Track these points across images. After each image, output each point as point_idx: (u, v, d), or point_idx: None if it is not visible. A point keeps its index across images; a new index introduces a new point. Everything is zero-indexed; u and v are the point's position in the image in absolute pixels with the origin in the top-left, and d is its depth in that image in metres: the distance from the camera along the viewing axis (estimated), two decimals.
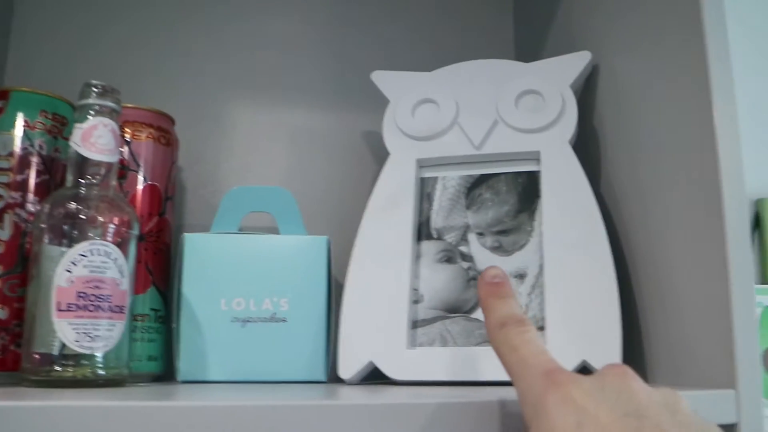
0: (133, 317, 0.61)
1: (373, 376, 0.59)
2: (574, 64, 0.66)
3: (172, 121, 0.68)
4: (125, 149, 0.63)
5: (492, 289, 0.42)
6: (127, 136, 0.64)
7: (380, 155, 0.81)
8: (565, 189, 0.60)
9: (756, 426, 0.45)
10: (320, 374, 0.62)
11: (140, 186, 0.64)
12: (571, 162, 0.61)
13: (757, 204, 0.95)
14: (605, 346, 0.53)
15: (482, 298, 0.42)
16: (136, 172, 0.64)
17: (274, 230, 0.68)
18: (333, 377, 0.62)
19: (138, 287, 0.61)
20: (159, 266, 0.64)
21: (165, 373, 0.65)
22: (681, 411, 0.34)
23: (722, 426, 0.45)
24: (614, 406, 0.32)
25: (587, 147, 0.68)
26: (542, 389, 0.34)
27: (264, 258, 0.63)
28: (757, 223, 0.95)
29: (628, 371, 0.35)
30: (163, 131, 0.66)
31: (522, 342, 0.38)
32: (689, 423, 0.33)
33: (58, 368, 0.50)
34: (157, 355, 0.63)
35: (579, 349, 0.54)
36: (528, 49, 0.86)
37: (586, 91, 0.69)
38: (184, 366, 0.61)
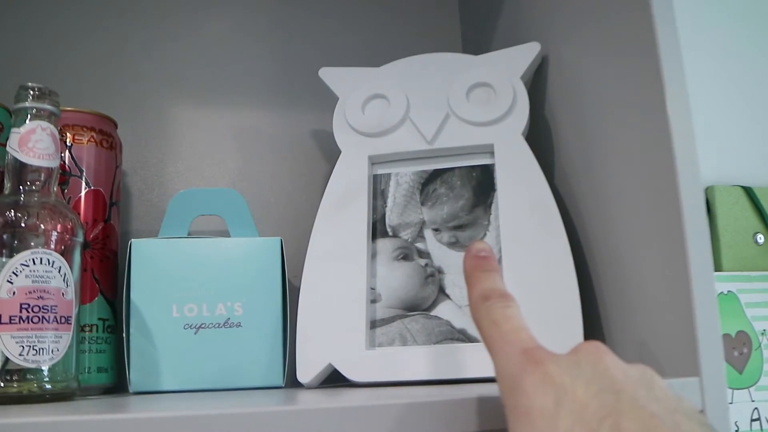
0: (81, 328, 0.59)
1: (333, 379, 0.58)
2: (523, 55, 0.65)
3: (114, 123, 0.66)
4: (66, 154, 0.61)
5: (477, 263, 0.41)
6: (68, 141, 0.61)
7: (330, 153, 0.80)
8: (521, 181, 0.59)
9: (721, 412, 0.45)
10: (278, 379, 0.61)
11: (83, 192, 0.61)
12: (525, 154, 0.61)
13: (707, 192, 0.96)
14: (567, 338, 0.53)
15: (467, 271, 0.41)
16: (79, 177, 0.61)
17: (225, 233, 0.66)
18: (291, 382, 0.61)
19: (84, 296, 0.59)
20: (106, 274, 0.62)
21: (117, 384, 0.63)
22: (656, 386, 0.34)
23: None
24: (590, 382, 0.32)
25: (540, 139, 0.68)
26: (520, 367, 0.34)
27: (216, 262, 0.61)
28: (707, 210, 0.95)
29: (602, 347, 0.35)
30: (106, 134, 0.64)
31: (503, 317, 0.37)
32: (665, 397, 0.33)
33: (1, 384, 0.47)
34: (107, 366, 0.61)
35: (540, 341, 0.53)
36: (475, 42, 0.85)
37: (536, 82, 0.69)
38: (135, 376, 0.59)
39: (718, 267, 0.94)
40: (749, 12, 1.08)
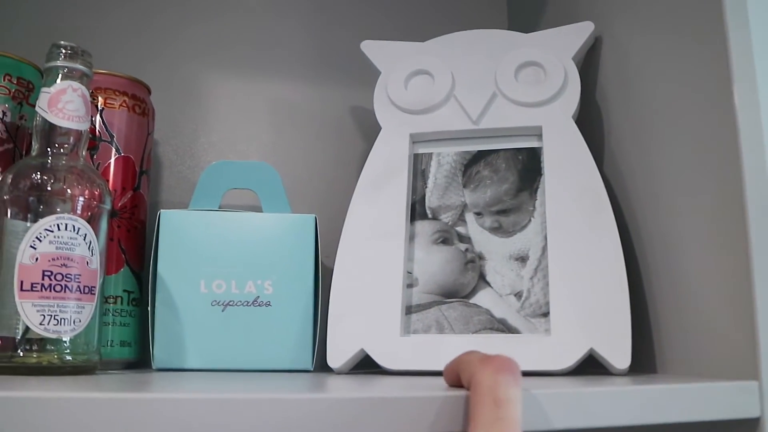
0: (105, 299, 0.57)
1: (364, 365, 0.56)
2: (576, 35, 0.62)
3: (147, 89, 0.64)
4: (97, 118, 0.59)
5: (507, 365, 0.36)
6: (100, 104, 0.59)
7: (367, 131, 0.77)
8: (570, 166, 0.57)
9: None
10: (307, 363, 0.59)
11: (113, 158, 0.59)
12: (575, 138, 0.58)
13: None
14: (614, 333, 0.50)
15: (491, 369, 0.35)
16: (109, 142, 0.59)
17: (257, 208, 0.64)
18: (320, 366, 0.59)
19: (110, 267, 0.58)
20: (133, 245, 0.60)
21: (139, 359, 0.61)
22: None
23: (744, 421, 0.43)
24: None
25: (590, 122, 0.65)
26: None
27: (247, 237, 0.59)
28: None
29: None
30: (138, 100, 0.62)
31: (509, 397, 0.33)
32: None
33: (21, 354, 0.46)
34: (130, 341, 0.59)
35: (586, 336, 0.50)
36: (523, 19, 0.82)
37: (587, 63, 0.66)
38: (159, 352, 0.57)
39: None
40: None
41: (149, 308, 0.58)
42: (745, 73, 0.46)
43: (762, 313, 0.43)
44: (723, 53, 0.47)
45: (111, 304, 0.58)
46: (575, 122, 0.59)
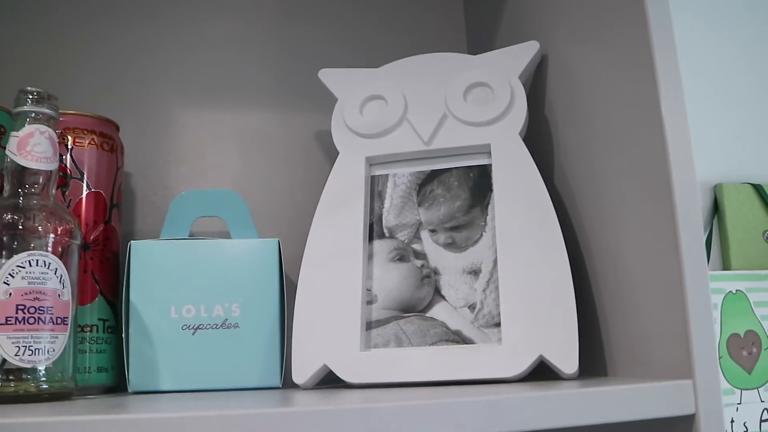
0: (81, 328, 0.59)
1: (329, 380, 0.58)
2: (522, 54, 0.65)
3: (115, 126, 0.66)
4: (67, 156, 0.62)
5: None
6: (69, 143, 0.62)
7: (332, 155, 0.80)
8: (517, 182, 0.59)
9: (715, 416, 0.44)
10: (275, 380, 0.61)
11: (84, 194, 0.62)
12: (521, 154, 0.60)
13: (716, 189, 0.95)
14: (562, 339, 0.53)
15: None
16: (80, 179, 0.62)
17: (227, 235, 0.67)
18: (290, 383, 0.61)
19: (85, 297, 0.60)
20: (106, 275, 0.63)
21: (117, 384, 0.64)
22: None
23: (680, 418, 0.45)
24: None
25: (539, 138, 0.67)
26: None
27: (213, 263, 0.62)
28: (716, 208, 0.95)
29: None
30: (106, 137, 0.64)
31: None
32: None
33: None
34: (107, 366, 0.61)
35: (535, 343, 0.53)
36: (480, 42, 0.85)
37: (537, 81, 0.68)
38: (134, 376, 0.60)
39: (726, 266, 0.93)
40: (753, 7, 1.07)
41: (123, 335, 0.61)
42: (670, 85, 0.49)
43: (693, 320, 0.46)
44: (650, 70, 0.50)
45: (87, 333, 0.60)
46: (525, 139, 0.62)
